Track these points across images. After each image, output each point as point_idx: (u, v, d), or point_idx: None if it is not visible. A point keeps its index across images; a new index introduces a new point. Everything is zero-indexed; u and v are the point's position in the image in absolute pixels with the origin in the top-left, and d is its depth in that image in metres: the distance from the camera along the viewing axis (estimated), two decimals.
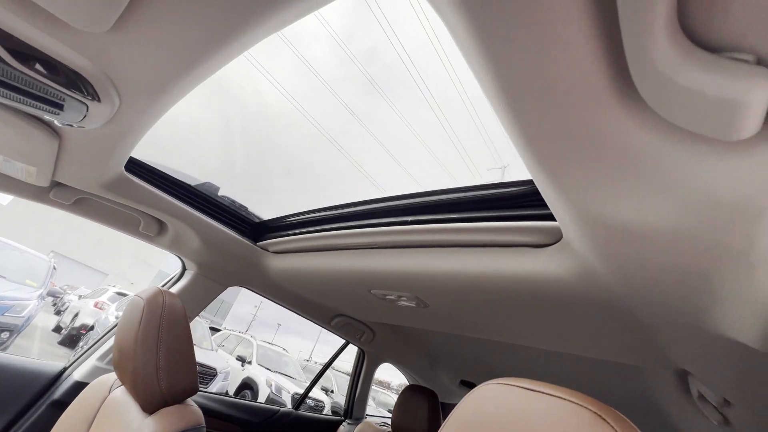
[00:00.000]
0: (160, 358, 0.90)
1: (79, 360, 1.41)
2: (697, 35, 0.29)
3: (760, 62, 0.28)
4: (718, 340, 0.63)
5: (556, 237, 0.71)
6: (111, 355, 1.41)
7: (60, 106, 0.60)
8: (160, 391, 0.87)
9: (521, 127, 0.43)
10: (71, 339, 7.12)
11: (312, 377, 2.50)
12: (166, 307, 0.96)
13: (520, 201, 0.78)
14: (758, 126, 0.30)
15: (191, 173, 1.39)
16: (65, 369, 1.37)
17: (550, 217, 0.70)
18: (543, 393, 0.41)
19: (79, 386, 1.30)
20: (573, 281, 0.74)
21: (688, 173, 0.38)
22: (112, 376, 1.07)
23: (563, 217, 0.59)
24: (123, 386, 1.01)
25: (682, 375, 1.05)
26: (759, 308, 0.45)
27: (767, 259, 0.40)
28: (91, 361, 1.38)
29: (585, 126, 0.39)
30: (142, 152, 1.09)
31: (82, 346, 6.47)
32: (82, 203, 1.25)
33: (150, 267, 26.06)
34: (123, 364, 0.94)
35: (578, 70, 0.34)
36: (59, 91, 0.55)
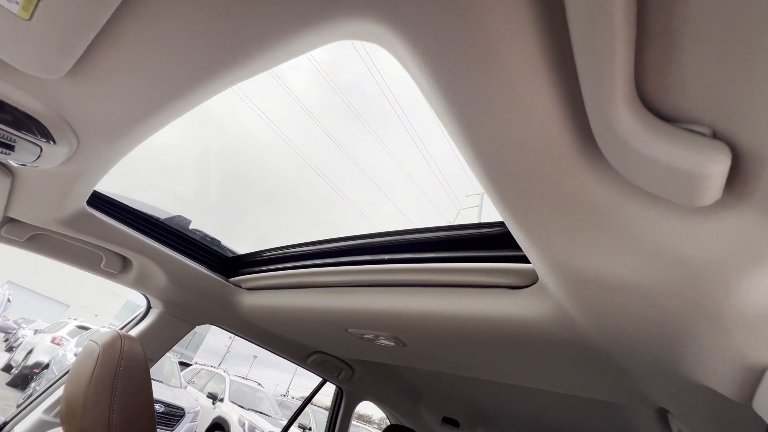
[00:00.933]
0: (114, 413, 0.81)
1: (22, 412, 1.27)
2: (656, 105, 0.29)
3: (716, 135, 0.28)
4: (694, 385, 0.62)
5: (531, 279, 0.71)
6: (60, 407, 1.28)
7: (10, 147, 0.56)
8: None
9: (490, 176, 0.43)
10: (23, 379, 6.50)
11: (289, 414, 2.35)
12: (124, 354, 0.88)
13: (497, 242, 0.78)
14: (718, 194, 0.30)
15: (164, 205, 1.33)
16: (5, 424, 1.23)
17: (526, 259, 0.70)
18: None
19: None
20: (549, 324, 0.73)
21: (653, 233, 0.38)
22: None
23: (536, 262, 0.58)
24: None
25: (662, 413, 1.05)
26: (731, 361, 0.45)
27: (736, 317, 0.41)
28: (36, 414, 1.25)
29: (551, 181, 0.39)
30: (108, 184, 1.04)
31: (34, 387, 5.92)
32: (37, 240, 1.16)
33: (117, 297, 24.60)
34: (71, 418, 0.85)
35: (543, 131, 0.34)
36: (8, 132, 0.52)
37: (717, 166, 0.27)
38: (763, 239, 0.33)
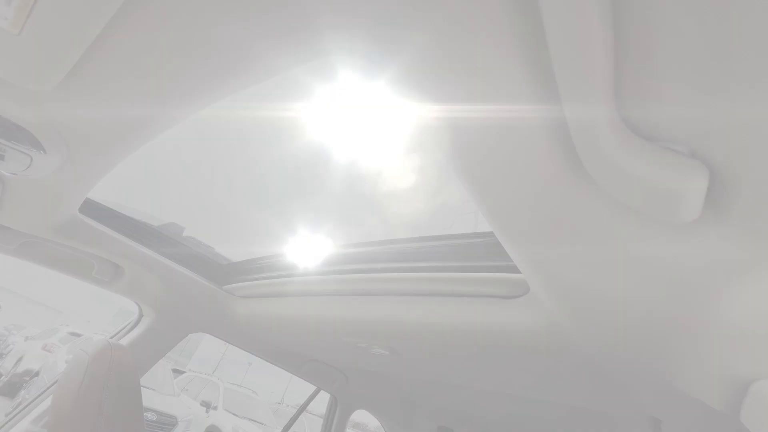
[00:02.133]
0: (102, 425, 0.80)
1: (10, 422, 1.25)
2: (636, 124, 0.30)
3: (694, 155, 0.29)
4: (685, 396, 0.62)
5: (523, 289, 0.71)
6: (48, 417, 1.26)
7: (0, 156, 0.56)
8: None
9: (478, 189, 0.43)
10: (12, 387, 6.37)
11: (284, 422, 2.32)
12: (113, 364, 0.87)
13: (490, 251, 0.78)
14: (697, 212, 0.31)
15: (157, 211, 1.33)
16: None
17: (518, 269, 0.70)
18: None
19: None
20: (541, 333, 0.73)
21: (638, 247, 0.39)
22: None
23: (526, 273, 0.59)
24: None
25: (655, 423, 1.05)
26: (717, 374, 0.45)
27: (718, 331, 0.41)
28: (24, 425, 1.23)
29: (538, 196, 0.39)
30: (101, 191, 1.04)
31: (23, 396, 5.80)
32: (28, 247, 1.15)
33: (111, 303, 24.30)
34: (58, 430, 0.83)
35: (529, 148, 0.35)
36: None
37: (694, 184, 0.28)
38: (741, 256, 0.33)
